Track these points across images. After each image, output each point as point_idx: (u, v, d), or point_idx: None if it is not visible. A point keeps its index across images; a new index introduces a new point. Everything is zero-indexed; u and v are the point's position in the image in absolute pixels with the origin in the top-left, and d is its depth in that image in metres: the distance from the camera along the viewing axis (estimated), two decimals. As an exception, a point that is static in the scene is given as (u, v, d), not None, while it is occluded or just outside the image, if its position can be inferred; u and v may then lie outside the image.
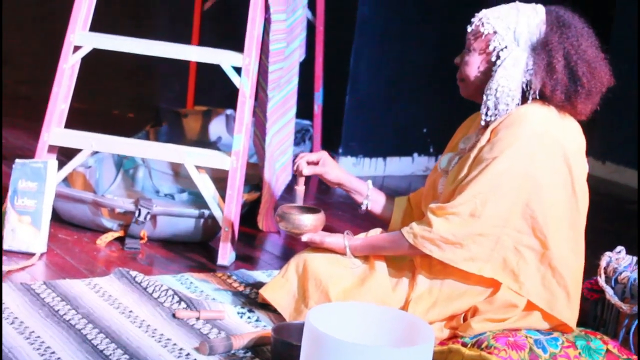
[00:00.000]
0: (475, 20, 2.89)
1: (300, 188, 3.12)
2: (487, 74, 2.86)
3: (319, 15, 4.91)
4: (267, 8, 3.68)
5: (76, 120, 4.00)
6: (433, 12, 5.13)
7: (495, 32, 2.83)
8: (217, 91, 4.31)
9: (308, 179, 3.63)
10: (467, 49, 2.90)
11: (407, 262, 2.95)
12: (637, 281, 2.91)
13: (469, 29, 2.90)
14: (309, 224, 3.01)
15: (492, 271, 2.81)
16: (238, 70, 3.60)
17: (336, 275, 2.93)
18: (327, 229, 3.08)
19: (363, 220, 3.38)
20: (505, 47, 2.82)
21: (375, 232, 3.05)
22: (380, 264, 2.95)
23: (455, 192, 2.82)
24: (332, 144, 5.06)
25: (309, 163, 3.11)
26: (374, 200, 3.21)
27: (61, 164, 3.70)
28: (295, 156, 4.28)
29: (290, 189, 4.45)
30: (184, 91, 5.50)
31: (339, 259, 2.98)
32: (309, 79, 4.86)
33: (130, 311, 3.00)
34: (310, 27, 4.84)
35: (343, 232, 3.01)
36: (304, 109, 4.78)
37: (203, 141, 5.01)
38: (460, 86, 2.96)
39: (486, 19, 2.85)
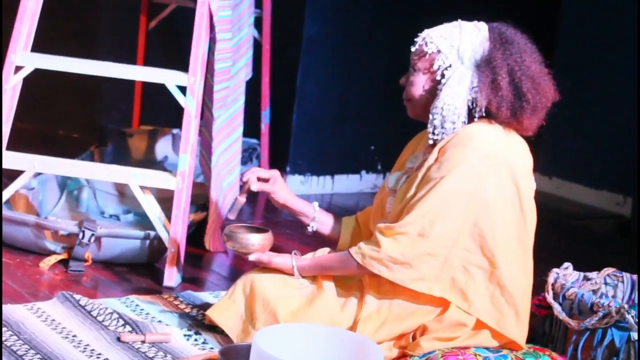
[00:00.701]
0: (418, 40, 2.88)
1: (241, 199, 3.08)
2: (433, 92, 2.84)
3: (265, 34, 4.90)
4: (212, 27, 3.65)
5: (21, 141, 3.94)
6: (381, 31, 5.14)
7: (439, 51, 2.82)
8: (164, 111, 4.28)
9: (254, 194, 3.60)
10: (412, 69, 2.89)
11: (356, 281, 2.92)
12: (584, 297, 2.91)
13: (413, 48, 2.88)
14: (257, 243, 2.98)
15: (441, 290, 2.79)
16: (183, 89, 3.57)
17: (284, 296, 2.89)
18: (275, 248, 3.05)
19: (311, 239, 3.36)
20: (450, 66, 2.81)
21: (323, 252, 3.02)
22: (329, 284, 2.92)
23: (404, 211, 2.80)
24: (280, 163, 5.03)
25: (259, 179, 3.07)
26: (321, 222, 3.19)
27: (4, 187, 3.64)
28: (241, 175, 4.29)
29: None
30: (129, 111, 5.45)
31: (287, 279, 2.94)
32: (255, 98, 4.85)
33: (74, 335, 2.94)
34: (257, 46, 4.82)
35: (291, 252, 2.98)
36: (251, 128, 4.76)
37: (149, 161, 4.96)
38: (408, 107, 2.94)
39: (429, 39, 2.84)
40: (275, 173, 3.13)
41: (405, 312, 2.84)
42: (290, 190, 3.20)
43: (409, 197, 2.81)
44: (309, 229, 3.18)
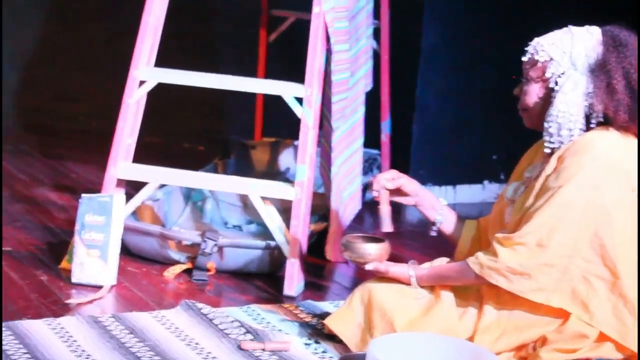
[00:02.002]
0: (529, 49, 2.85)
1: (385, 207, 3.05)
2: (547, 101, 2.81)
3: (384, 44, 4.90)
4: (328, 39, 3.67)
5: (147, 154, 4.03)
6: (500, 39, 5.09)
7: (551, 59, 2.79)
8: (286, 122, 4.31)
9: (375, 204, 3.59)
10: (525, 79, 2.86)
11: (474, 291, 2.89)
12: None
13: (524, 58, 2.86)
14: (374, 253, 2.98)
15: (560, 301, 2.75)
16: (300, 101, 3.61)
17: (401, 305, 2.89)
18: (393, 258, 3.04)
19: (428, 249, 3.35)
20: (563, 73, 2.77)
21: (441, 262, 3.00)
22: (447, 293, 2.90)
23: (522, 221, 2.77)
24: (401, 172, 5.00)
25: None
26: (446, 218, 3.16)
27: (130, 198, 3.73)
28: (365, 186, 4.29)
29: (359, 219, 4.45)
30: (252, 123, 5.52)
31: (405, 289, 2.94)
32: (375, 108, 4.85)
33: (197, 343, 2.99)
34: (376, 57, 4.83)
35: (408, 262, 2.98)
36: (371, 138, 4.76)
37: (272, 172, 5.01)
38: (524, 117, 2.92)
39: (540, 47, 2.81)
40: (393, 171, 3.14)
41: (525, 322, 2.81)
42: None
43: (527, 207, 2.78)
44: (436, 223, 3.14)
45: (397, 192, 3.13)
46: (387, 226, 3.04)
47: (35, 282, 3.46)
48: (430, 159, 5.16)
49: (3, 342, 2.86)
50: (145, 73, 3.73)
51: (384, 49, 4.91)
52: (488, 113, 5.17)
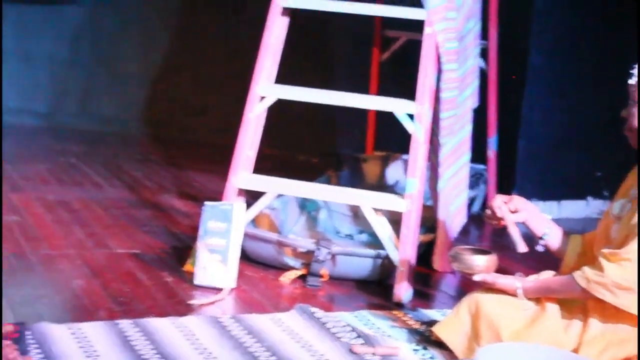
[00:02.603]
0: (635, 72, 2.78)
1: (514, 229, 2.99)
2: None
3: (492, 64, 4.85)
4: (439, 58, 3.65)
5: (266, 165, 4.06)
6: (606, 59, 5.00)
7: None
8: (396, 137, 4.30)
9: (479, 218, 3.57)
10: (632, 101, 2.79)
11: (579, 304, 2.82)
12: None
13: (631, 81, 2.78)
14: (482, 264, 2.95)
15: None
16: (412, 117, 3.59)
17: (508, 315, 2.84)
18: (500, 270, 2.99)
19: (534, 262, 3.29)
20: None
21: (547, 275, 2.95)
22: (552, 305, 2.84)
23: (628, 238, 2.70)
24: (506, 187, 4.97)
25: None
26: (552, 233, 3.10)
27: (249, 206, 3.75)
28: (471, 200, 4.24)
29: (464, 231, 4.40)
30: (363, 138, 5.52)
31: (511, 300, 2.89)
32: (482, 125, 4.80)
33: (310, 345, 2.99)
34: (483, 76, 4.78)
35: (514, 274, 2.93)
36: (478, 154, 4.71)
37: (382, 185, 5.00)
38: (629, 137, 2.84)
39: None
40: (503, 196, 3.09)
41: (630, 336, 2.73)
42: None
43: (634, 224, 2.72)
44: (543, 237, 3.07)
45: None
46: (522, 247, 2.98)
47: (160, 283, 3.51)
48: (535, 174, 5.09)
49: (132, 338, 2.92)
50: (265, 89, 3.76)
51: (492, 68, 4.85)
52: (592, 130, 5.07)
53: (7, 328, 2.83)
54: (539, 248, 3.10)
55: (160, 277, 3.57)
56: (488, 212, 3.05)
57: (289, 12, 3.85)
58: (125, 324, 3.02)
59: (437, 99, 3.73)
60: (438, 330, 2.98)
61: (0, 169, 4.15)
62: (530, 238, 3.06)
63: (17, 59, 6.67)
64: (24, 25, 6.67)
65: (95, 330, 2.94)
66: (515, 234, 2.99)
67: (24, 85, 6.72)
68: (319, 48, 6.17)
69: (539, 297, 2.87)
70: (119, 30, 6.75)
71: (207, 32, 6.65)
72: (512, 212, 3.02)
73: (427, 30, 3.63)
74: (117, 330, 2.97)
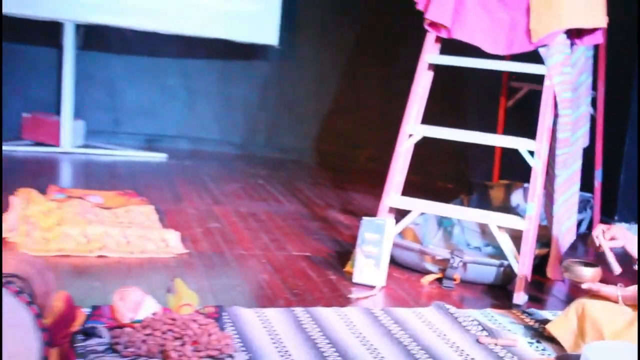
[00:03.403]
0: None
1: (610, 255, 2.90)
2: None
3: (599, 111, 4.71)
4: (555, 105, 3.59)
5: (411, 189, 4.06)
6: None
7: None
8: (517, 168, 4.25)
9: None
10: None
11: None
12: None
13: None
14: (589, 275, 2.87)
15: None
16: (532, 153, 3.54)
17: (609, 318, 2.75)
18: (603, 280, 2.91)
19: (632, 276, 3.17)
20: None
21: (644, 286, 2.85)
22: (647, 311, 2.75)
23: None
24: (609, 212, 4.83)
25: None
26: None
27: (398, 221, 3.76)
28: (579, 221, 4.12)
29: (573, 247, 4.28)
30: (491, 168, 5.45)
31: (612, 305, 2.80)
32: (590, 160, 4.68)
33: (445, 335, 2.97)
34: (592, 120, 4.66)
35: (616, 284, 2.84)
36: (586, 184, 4.58)
37: (505, 207, 4.92)
38: None
39: None
40: (603, 225, 2.98)
41: None
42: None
43: None
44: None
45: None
46: (616, 269, 2.89)
47: (326, 280, 3.54)
48: (634, 201, 4.92)
49: (304, 322, 2.96)
50: (413, 128, 3.77)
51: (599, 114, 4.72)
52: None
53: (209, 309, 2.92)
54: (636, 267, 3.00)
55: (326, 275, 3.61)
56: (591, 239, 2.96)
57: (433, 66, 3.85)
58: (298, 311, 3.08)
59: (553, 139, 3.66)
60: (550, 328, 2.92)
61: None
62: (629, 259, 2.97)
63: (220, 102, 6.89)
64: (226, 75, 6.87)
65: (275, 315, 3.01)
66: (611, 259, 2.90)
67: (225, 122, 6.91)
68: (456, 95, 6.13)
69: (635, 304, 2.77)
70: (298, 80, 6.87)
71: (368, 80, 6.71)
72: (611, 239, 2.92)
73: (546, 82, 3.57)
74: (292, 315, 3.02)
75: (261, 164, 6.47)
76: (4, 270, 2.34)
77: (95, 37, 6.39)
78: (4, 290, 2.03)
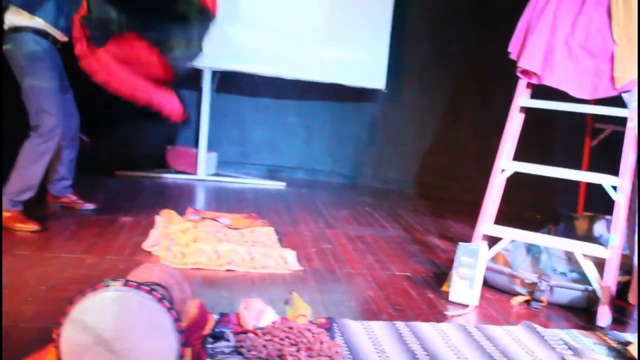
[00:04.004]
0: None
1: None
2: None
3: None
4: (637, 145, 3.45)
5: (503, 218, 3.97)
6: None
7: None
8: (601, 202, 4.09)
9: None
10: None
11: None
12: None
13: None
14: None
15: None
16: (615, 188, 3.41)
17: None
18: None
19: None
20: None
21: None
22: None
23: None
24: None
25: None
26: None
27: (490, 247, 3.68)
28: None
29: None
30: (576, 201, 5.28)
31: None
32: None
33: (532, 352, 2.88)
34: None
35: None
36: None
37: (589, 237, 4.74)
38: None
39: None
40: None
41: None
42: None
43: None
44: None
45: None
46: None
47: (425, 298, 3.50)
48: None
49: (404, 335, 2.92)
50: (506, 164, 3.70)
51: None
52: None
53: (321, 320, 2.92)
54: None
55: (425, 293, 3.57)
56: None
57: (524, 108, 3.78)
58: (400, 324, 3.05)
59: (635, 175, 3.53)
60: (632, 349, 2.79)
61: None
62: None
63: (333, 138, 6.94)
64: (339, 115, 6.93)
65: (379, 327, 2.98)
66: None
67: (337, 156, 6.96)
68: (545, 134, 5.99)
69: None
70: (401, 119, 6.86)
71: (464, 120, 6.63)
72: None
73: (629, 124, 3.45)
74: (394, 328, 3.00)
75: (368, 193, 6.46)
76: (150, 279, 2.42)
77: (228, 82, 6.57)
78: (149, 296, 2.10)
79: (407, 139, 6.88)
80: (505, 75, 4.09)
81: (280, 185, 6.37)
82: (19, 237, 3.84)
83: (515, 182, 3.99)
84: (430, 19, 6.71)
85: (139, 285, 2.11)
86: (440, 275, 3.89)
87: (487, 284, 3.70)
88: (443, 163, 6.71)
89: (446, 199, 6.48)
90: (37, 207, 4.38)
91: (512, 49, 3.75)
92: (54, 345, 2.11)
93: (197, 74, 6.24)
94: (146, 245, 3.84)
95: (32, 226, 3.96)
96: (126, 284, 2.11)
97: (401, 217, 5.48)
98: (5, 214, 3.98)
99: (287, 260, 3.82)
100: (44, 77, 3.97)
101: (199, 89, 6.38)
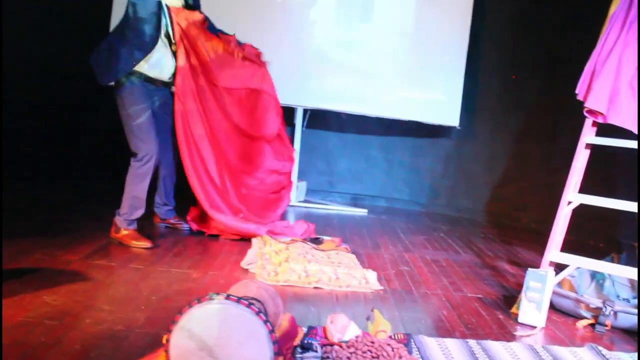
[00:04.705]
0: None
1: None
2: None
3: None
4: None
5: (569, 246, 3.86)
6: None
7: None
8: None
9: None
10: None
11: None
12: None
13: None
14: None
15: None
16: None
17: None
18: None
19: None
20: None
21: None
22: None
23: None
24: None
25: None
26: None
27: (557, 273, 3.58)
28: None
29: None
30: (637, 230, 5.05)
31: None
32: None
33: (597, 373, 2.78)
34: None
35: None
36: None
37: (652, 265, 4.55)
38: None
39: None
40: None
41: None
42: None
43: None
44: None
45: None
46: None
47: (495, 318, 3.42)
48: None
49: (476, 352, 2.87)
50: (572, 197, 3.59)
51: None
52: None
53: (400, 336, 2.90)
54: None
55: (495, 314, 3.49)
56: None
57: (590, 145, 3.67)
58: (472, 342, 2.99)
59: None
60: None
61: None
62: None
63: (411, 170, 6.91)
64: (417, 149, 6.90)
65: (453, 344, 2.94)
66: None
67: (414, 186, 6.92)
68: (608, 168, 5.79)
69: None
70: (474, 154, 6.77)
71: (531, 154, 6.49)
72: None
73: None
74: (467, 346, 2.94)
75: (442, 220, 6.38)
76: (248, 294, 2.45)
77: (317, 119, 6.65)
78: (248, 309, 2.13)
79: (478, 171, 6.78)
80: (569, 114, 4.00)
81: (362, 211, 6.37)
82: (134, 252, 3.97)
83: (580, 212, 3.87)
84: (502, 63, 6.62)
85: (239, 299, 2.14)
86: (509, 297, 3.79)
87: (553, 307, 3.60)
88: (511, 194, 6.57)
89: (515, 228, 6.33)
90: (147, 227, 4.53)
91: (579, 90, 3.66)
92: (164, 349, 2.17)
93: (290, 112, 6.35)
94: (243, 264, 3.90)
95: (146, 243, 4.09)
96: (228, 297, 2.15)
97: (473, 243, 5.38)
98: (123, 232, 4.12)
99: (369, 280, 3.81)
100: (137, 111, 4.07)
101: (292, 125, 6.48)
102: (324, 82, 6.21)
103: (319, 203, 6.48)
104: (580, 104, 3.63)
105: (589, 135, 3.64)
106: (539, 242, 3.74)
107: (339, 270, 3.86)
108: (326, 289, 3.63)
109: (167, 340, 2.15)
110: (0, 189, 4.25)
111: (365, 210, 6.39)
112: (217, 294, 2.19)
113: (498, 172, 6.70)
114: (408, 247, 4.94)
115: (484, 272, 4.43)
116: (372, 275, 3.86)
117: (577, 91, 3.68)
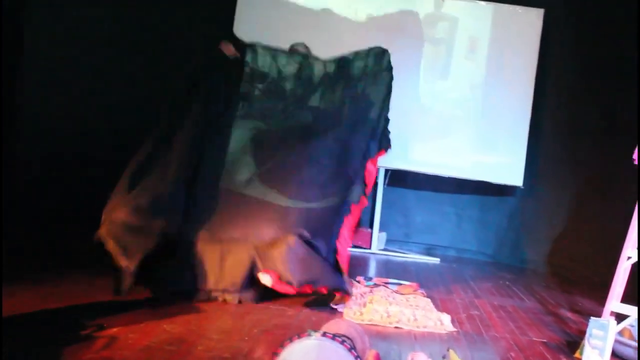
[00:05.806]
0: None
1: None
2: None
3: None
4: None
5: (626, 297, 3.64)
6: None
7: None
8: None
9: None
10: None
11: None
12: None
13: None
14: None
15: None
16: None
17: None
18: None
19: None
20: None
21: None
22: None
23: None
24: None
25: None
26: None
27: (619, 322, 3.37)
28: None
29: None
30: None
31: None
32: None
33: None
34: None
35: None
36: None
37: None
38: None
39: None
40: None
41: None
42: None
43: None
44: None
45: None
46: None
47: (559, 362, 3.26)
48: None
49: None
50: (632, 252, 3.41)
51: None
52: None
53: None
54: None
55: (559, 358, 3.32)
56: None
57: (647, 207, 3.50)
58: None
59: None
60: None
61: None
62: None
63: (479, 224, 6.76)
64: (484, 206, 6.76)
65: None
66: None
67: (481, 238, 6.75)
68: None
69: None
70: (536, 210, 6.57)
71: (590, 212, 6.21)
72: None
73: None
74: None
75: (507, 270, 6.17)
76: (339, 332, 2.45)
77: (397, 178, 6.65)
78: (341, 346, 2.13)
79: (540, 226, 6.55)
80: (623, 177, 3.82)
81: (435, 260, 6.26)
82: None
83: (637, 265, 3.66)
84: (560, 128, 6.46)
85: (334, 337, 2.14)
86: (572, 343, 3.59)
87: (615, 354, 3.37)
88: (571, 247, 6.29)
89: (575, 279, 6.04)
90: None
91: (637, 157, 3.52)
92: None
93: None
94: (332, 304, 3.89)
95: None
96: (324, 334, 2.15)
97: (536, 292, 5.16)
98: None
99: (443, 322, 3.71)
100: None
101: (375, 184, 6.50)
102: (404, 146, 6.23)
103: (397, 252, 6.42)
104: (637, 169, 3.48)
105: (646, 197, 3.48)
106: (596, 291, 3.54)
107: (416, 312, 3.79)
108: (405, 329, 3.55)
109: (271, 370, 2.16)
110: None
111: (438, 259, 6.27)
112: (315, 330, 2.20)
113: (558, 226, 6.44)
114: (477, 293, 4.79)
115: (547, 318, 4.23)
116: (446, 318, 3.76)
117: (634, 157, 3.53)
